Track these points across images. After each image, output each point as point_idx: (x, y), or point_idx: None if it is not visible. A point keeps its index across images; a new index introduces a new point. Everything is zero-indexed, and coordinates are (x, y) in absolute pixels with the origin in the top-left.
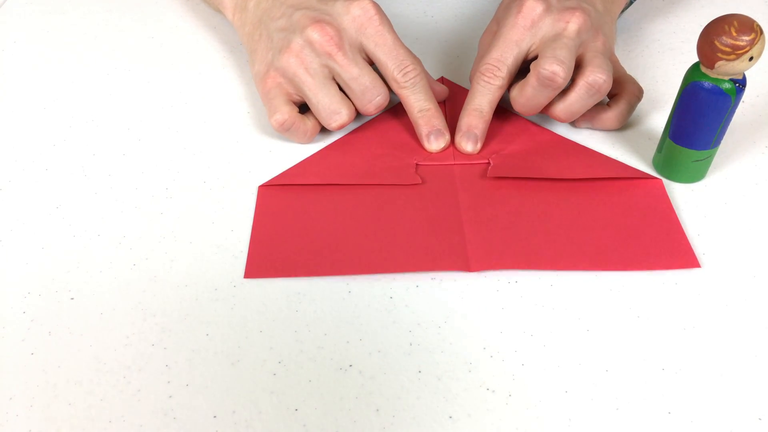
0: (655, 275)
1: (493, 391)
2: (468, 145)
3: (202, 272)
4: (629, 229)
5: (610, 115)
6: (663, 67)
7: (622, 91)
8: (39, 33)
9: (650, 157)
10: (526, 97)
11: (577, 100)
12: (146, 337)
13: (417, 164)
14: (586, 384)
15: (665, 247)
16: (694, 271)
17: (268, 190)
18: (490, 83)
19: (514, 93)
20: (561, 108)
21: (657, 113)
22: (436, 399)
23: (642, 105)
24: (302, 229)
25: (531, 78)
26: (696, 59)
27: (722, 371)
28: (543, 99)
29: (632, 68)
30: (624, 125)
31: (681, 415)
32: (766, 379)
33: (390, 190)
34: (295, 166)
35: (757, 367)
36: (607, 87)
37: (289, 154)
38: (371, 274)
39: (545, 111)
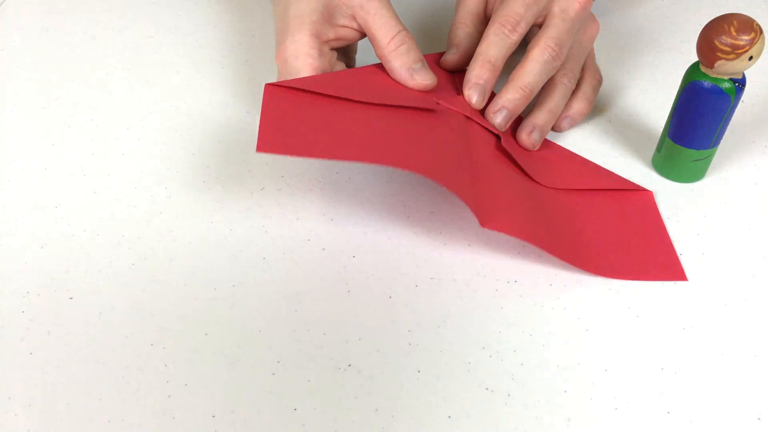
0: None
1: (492, 391)
2: (475, 96)
3: (200, 272)
4: (619, 238)
5: (583, 104)
6: (663, 67)
7: (584, 76)
8: (38, 33)
9: (650, 156)
10: (528, 72)
11: (585, 102)
12: (145, 336)
13: (438, 102)
14: (585, 384)
15: (654, 258)
16: (694, 271)
17: (275, 90)
18: (508, 37)
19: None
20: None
21: (657, 113)
22: (435, 399)
23: (642, 105)
24: (314, 109)
25: (535, 53)
26: (696, 59)
27: (721, 371)
28: (542, 78)
29: (632, 68)
30: (621, 123)
31: (680, 414)
32: (765, 379)
33: (406, 111)
34: (306, 77)
35: (756, 367)
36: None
37: None
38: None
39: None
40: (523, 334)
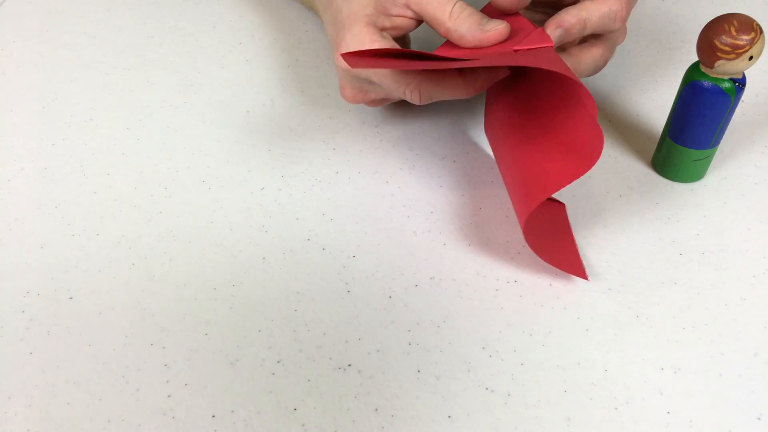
0: (654, 275)
1: (492, 391)
2: (554, 36)
3: (200, 272)
4: (538, 224)
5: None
6: (663, 66)
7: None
8: (39, 33)
9: (650, 156)
10: (594, 11)
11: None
12: (145, 336)
13: (515, 50)
14: (585, 384)
15: (561, 250)
16: (693, 270)
17: (350, 55)
18: (614, 22)
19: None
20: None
21: (657, 113)
22: (435, 398)
23: (642, 105)
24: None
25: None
26: (696, 59)
27: (721, 371)
28: (600, 25)
29: (632, 68)
30: (621, 123)
31: (680, 414)
32: (765, 379)
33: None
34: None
35: (756, 367)
36: None
37: (289, 153)
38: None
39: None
40: (523, 334)
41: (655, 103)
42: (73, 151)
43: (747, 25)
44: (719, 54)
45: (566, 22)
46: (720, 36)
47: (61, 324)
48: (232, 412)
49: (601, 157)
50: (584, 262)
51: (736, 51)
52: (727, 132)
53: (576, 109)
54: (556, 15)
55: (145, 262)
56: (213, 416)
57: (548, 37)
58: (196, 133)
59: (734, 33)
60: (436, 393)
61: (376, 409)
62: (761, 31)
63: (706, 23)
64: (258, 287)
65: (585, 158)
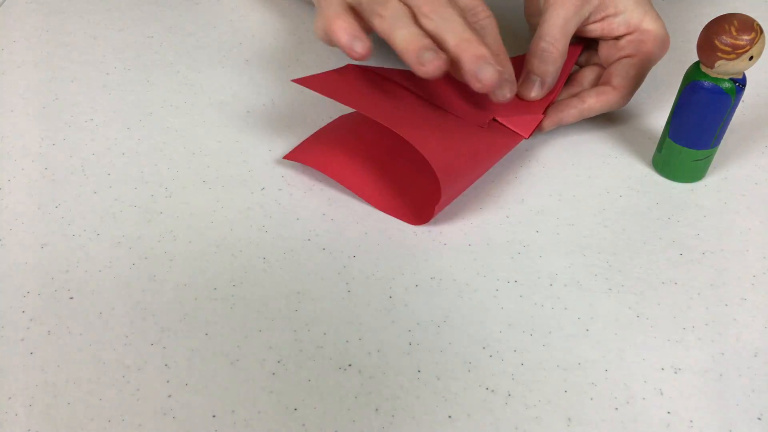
0: (654, 275)
1: (493, 391)
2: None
3: (201, 272)
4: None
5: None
6: (663, 66)
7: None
8: (39, 33)
9: (650, 156)
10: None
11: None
12: (145, 336)
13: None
14: (585, 384)
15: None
16: (694, 271)
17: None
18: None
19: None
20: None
21: (657, 113)
22: (435, 399)
23: (642, 105)
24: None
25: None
26: (696, 59)
27: (721, 371)
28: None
29: None
30: (621, 123)
31: (680, 414)
32: (765, 379)
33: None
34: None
35: (756, 366)
36: None
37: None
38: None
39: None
40: (523, 334)
41: (655, 103)
42: (73, 151)
43: (747, 25)
44: (719, 54)
45: (565, 121)
46: (720, 36)
47: (61, 324)
48: (233, 412)
49: (601, 157)
50: (584, 261)
51: (737, 51)
52: (727, 132)
53: (435, 187)
54: (559, 110)
55: (146, 262)
56: (213, 416)
57: (530, 131)
58: (196, 133)
59: (734, 33)
60: (436, 393)
61: (377, 409)
62: (761, 31)
63: (706, 23)
64: (258, 287)
65: (408, 215)
